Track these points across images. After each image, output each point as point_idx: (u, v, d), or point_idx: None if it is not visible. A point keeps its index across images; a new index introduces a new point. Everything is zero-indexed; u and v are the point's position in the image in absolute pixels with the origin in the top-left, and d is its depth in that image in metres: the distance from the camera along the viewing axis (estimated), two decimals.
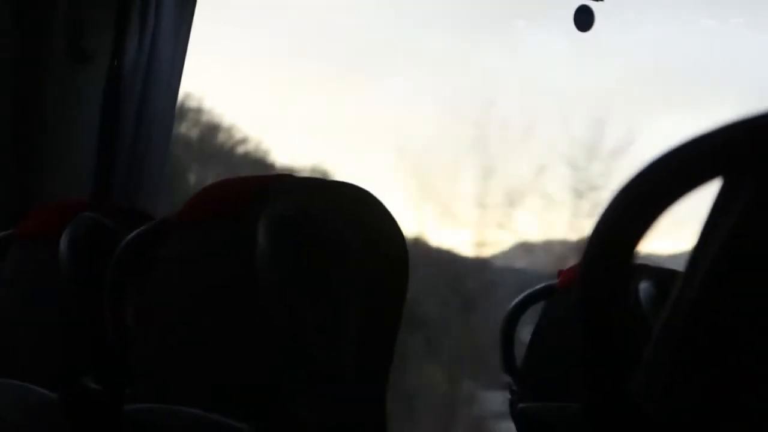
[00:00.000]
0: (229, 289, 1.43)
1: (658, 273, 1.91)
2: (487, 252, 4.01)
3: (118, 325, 1.60)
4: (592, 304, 0.71)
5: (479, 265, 4.04)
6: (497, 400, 2.82)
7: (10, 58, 2.45)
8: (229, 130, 4.36)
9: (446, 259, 4.09)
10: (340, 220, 1.45)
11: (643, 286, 1.86)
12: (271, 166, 4.21)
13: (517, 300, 2.33)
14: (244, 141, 4.35)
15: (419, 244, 3.81)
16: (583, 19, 2.37)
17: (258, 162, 4.28)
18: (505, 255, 4.01)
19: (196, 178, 4.36)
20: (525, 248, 4.00)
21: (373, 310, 1.45)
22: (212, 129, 4.35)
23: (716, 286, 0.72)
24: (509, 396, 2.31)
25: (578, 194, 3.80)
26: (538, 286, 2.31)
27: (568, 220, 3.80)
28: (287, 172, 1.52)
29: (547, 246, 3.98)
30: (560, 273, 2.26)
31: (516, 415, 2.27)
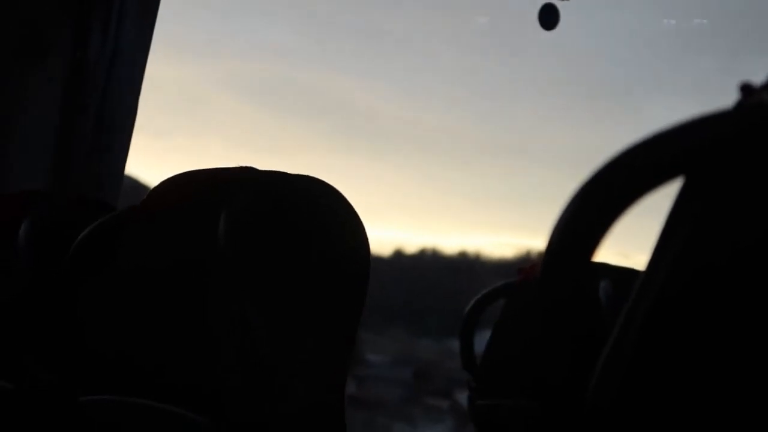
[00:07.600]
0: (188, 281, 1.43)
1: (618, 272, 1.92)
2: None
3: (74, 316, 1.59)
4: (551, 302, 0.71)
5: None
6: None
7: None
8: None
9: None
10: (303, 215, 1.44)
11: (602, 285, 1.87)
12: None
13: (477, 297, 2.34)
14: None
15: None
16: (548, 18, 2.37)
17: None
18: None
19: None
20: None
21: (332, 309, 1.44)
22: None
23: (675, 287, 0.72)
24: (468, 393, 2.31)
25: None
26: (498, 284, 2.32)
27: None
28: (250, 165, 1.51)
29: None
30: (521, 270, 2.27)
31: (474, 411, 2.27)
